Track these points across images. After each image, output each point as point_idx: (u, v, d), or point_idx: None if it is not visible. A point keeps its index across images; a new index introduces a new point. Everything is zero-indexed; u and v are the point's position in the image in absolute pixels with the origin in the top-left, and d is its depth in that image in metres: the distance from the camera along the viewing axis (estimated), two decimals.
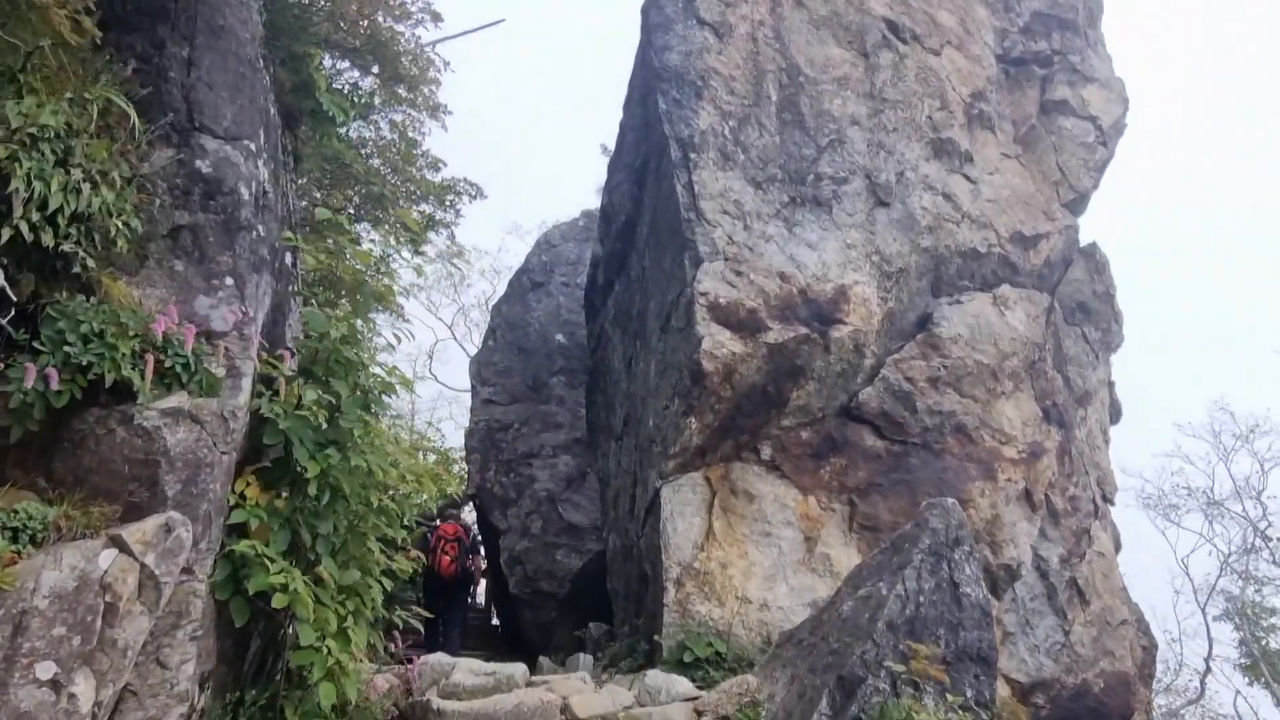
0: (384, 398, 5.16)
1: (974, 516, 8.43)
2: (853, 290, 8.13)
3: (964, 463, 8.73)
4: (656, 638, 7.39)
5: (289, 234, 4.73)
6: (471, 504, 14.25)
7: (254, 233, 4.42)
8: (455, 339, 24.50)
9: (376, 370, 4.95)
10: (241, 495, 4.17)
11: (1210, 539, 18.70)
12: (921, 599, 5.67)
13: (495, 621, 15.89)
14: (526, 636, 12.85)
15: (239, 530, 4.12)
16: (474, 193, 9.16)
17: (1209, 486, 18.68)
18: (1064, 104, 10.55)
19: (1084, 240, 10.57)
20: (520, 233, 24.76)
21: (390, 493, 4.91)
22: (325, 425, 4.24)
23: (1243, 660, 18.32)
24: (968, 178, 9.40)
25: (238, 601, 4.02)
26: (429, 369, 24.56)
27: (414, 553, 11.98)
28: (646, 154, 8.98)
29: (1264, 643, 18.20)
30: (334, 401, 4.40)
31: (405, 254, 10.03)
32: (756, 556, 7.77)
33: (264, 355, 4.34)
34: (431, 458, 24.09)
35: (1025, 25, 10.62)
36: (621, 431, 10.05)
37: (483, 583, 16.10)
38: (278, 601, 3.89)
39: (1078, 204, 10.46)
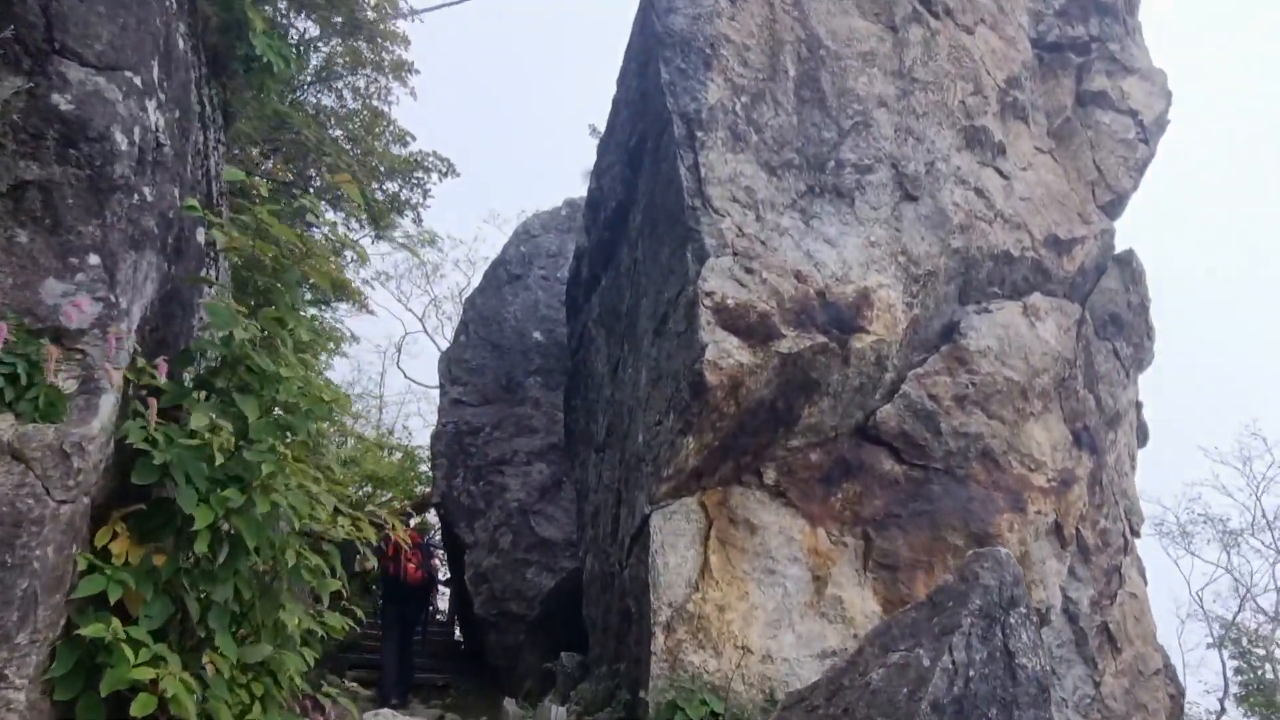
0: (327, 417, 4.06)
1: None
2: (876, 294, 7.10)
3: (991, 492, 7.74)
4: (642, 693, 6.34)
5: (193, 202, 3.61)
6: (436, 513, 13.11)
7: (135, 197, 3.27)
8: (426, 332, 23.35)
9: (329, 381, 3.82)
10: (104, 551, 3.06)
11: (1230, 569, 17.86)
12: (971, 673, 4.67)
13: (459, 636, 14.76)
14: (491, 661, 11.74)
15: (99, 601, 3.01)
16: (444, 169, 8.05)
17: (1224, 516, 17.82)
18: (1102, 95, 9.59)
19: (1119, 246, 9.63)
20: (498, 222, 23.48)
21: (321, 539, 3.81)
22: (225, 458, 3.14)
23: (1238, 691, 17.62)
24: (1000, 172, 8.41)
25: (88, 703, 2.91)
26: (397, 363, 23.32)
27: (370, 563, 11.26)
28: (644, 131, 7.90)
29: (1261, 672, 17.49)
30: (241, 425, 3.31)
31: (370, 238, 8.86)
32: (759, 598, 6.73)
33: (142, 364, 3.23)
34: (397, 456, 22.87)
35: (1061, 8, 9.64)
36: (604, 442, 8.98)
37: (445, 591, 15.26)
38: (139, 708, 2.79)
39: (1115, 206, 9.51)
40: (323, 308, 14.49)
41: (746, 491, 7.15)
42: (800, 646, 6.57)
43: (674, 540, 6.78)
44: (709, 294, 6.36)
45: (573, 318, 10.91)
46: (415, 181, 7.69)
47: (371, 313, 13.03)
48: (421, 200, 8.04)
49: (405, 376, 23.35)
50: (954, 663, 4.61)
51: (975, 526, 7.43)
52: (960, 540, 7.33)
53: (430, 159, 7.77)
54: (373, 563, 10.82)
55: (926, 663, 4.64)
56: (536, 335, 13.61)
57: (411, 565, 10.22)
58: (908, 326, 7.40)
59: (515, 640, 11.24)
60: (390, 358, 23.91)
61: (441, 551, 14.13)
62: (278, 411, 3.53)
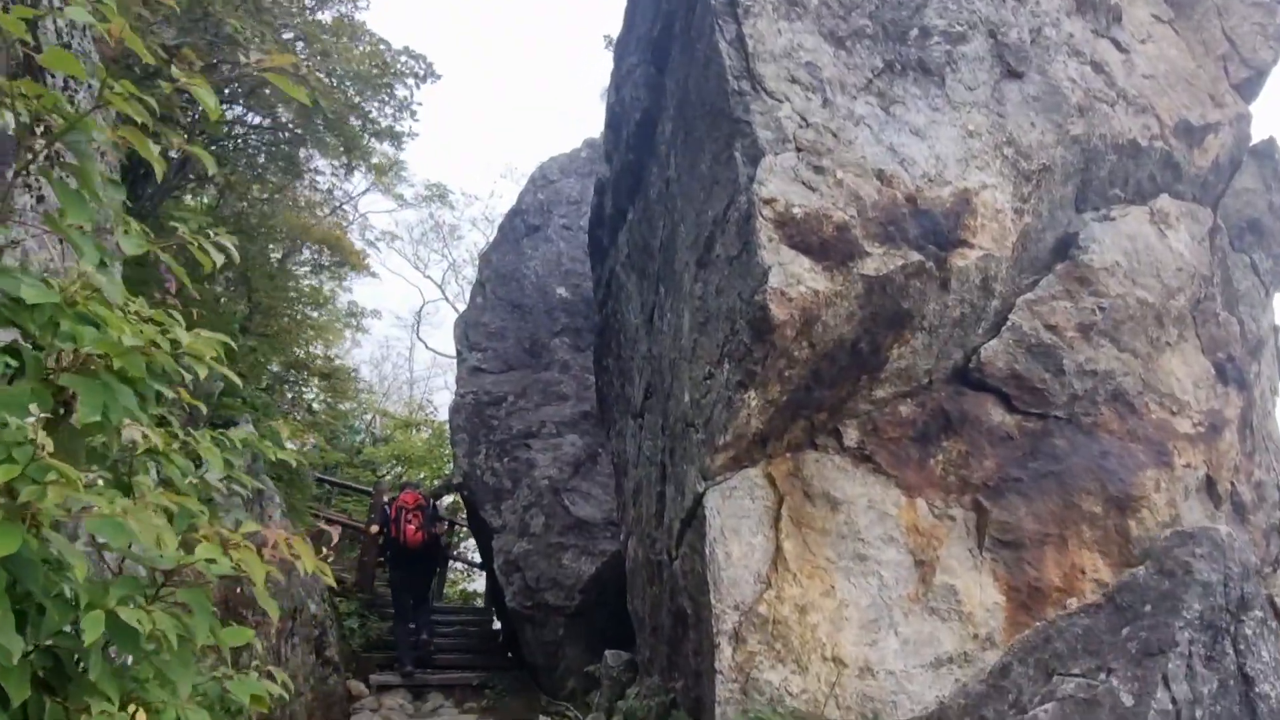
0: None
1: (1148, 520, 5.90)
2: (979, 198, 5.52)
3: (1127, 443, 6.16)
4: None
5: None
6: (459, 496, 11.80)
7: None
8: (447, 299, 21.99)
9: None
10: None
11: None
12: (1199, 712, 3.19)
13: (497, 626, 13.52)
14: (529, 658, 10.45)
15: None
16: (422, 72, 6.52)
17: None
18: None
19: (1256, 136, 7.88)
20: (515, 176, 22.00)
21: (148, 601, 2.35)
22: None
23: None
24: (1118, 44, 6.72)
25: None
26: (416, 333, 22.06)
27: (373, 528, 10.97)
28: (669, 12, 6.34)
29: None
30: None
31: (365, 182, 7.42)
32: (849, 592, 5.27)
33: None
34: (425, 433, 21.70)
35: None
36: (642, 407, 7.53)
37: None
38: None
39: (1251, 85, 7.75)
40: (326, 274, 13.27)
41: (823, 458, 5.67)
42: (907, 654, 5.10)
43: (736, 524, 5.34)
44: (768, 202, 4.82)
45: (598, 264, 9.43)
46: (383, 89, 6.24)
47: (374, 275, 11.72)
48: (400, 118, 6.61)
49: (427, 348, 22.10)
50: (1174, 700, 3.14)
51: (1115, 488, 5.87)
52: (1098, 506, 5.78)
53: (403, 60, 6.29)
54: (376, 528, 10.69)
55: (1129, 700, 3.17)
56: (560, 291, 12.16)
57: (411, 527, 10.05)
58: (1018, 239, 5.81)
59: (553, 635, 9.93)
60: (413, 330, 22.61)
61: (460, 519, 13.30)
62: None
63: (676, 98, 6.22)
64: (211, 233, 2.44)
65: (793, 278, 4.77)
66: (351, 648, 11.37)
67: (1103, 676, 3.35)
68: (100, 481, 2.30)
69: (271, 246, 10.95)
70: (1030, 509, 5.71)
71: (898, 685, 4.95)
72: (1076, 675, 3.45)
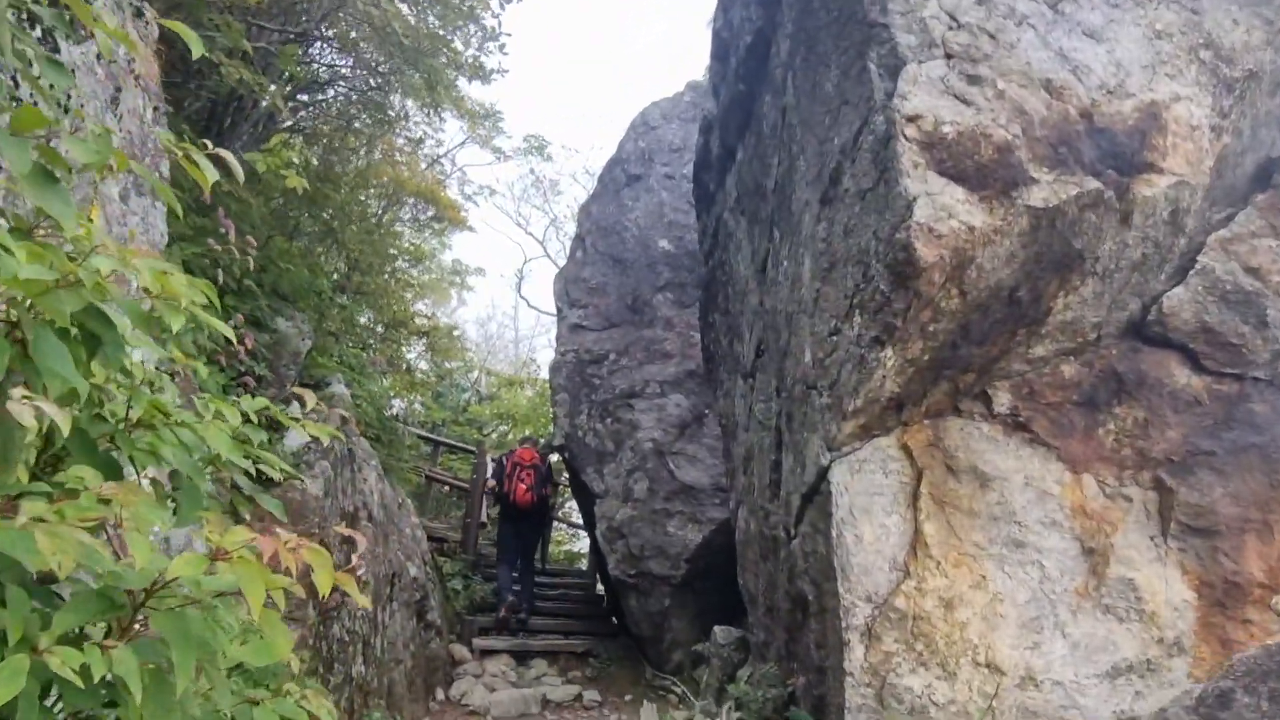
0: None
1: None
2: (1170, 112, 4.53)
3: None
4: None
5: None
6: (560, 458, 11.38)
7: None
8: (548, 255, 21.59)
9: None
10: None
11: None
12: None
13: (600, 590, 13.17)
14: (633, 629, 10.01)
15: None
16: None
17: None
18: None
19: None
20: (617, 128, 21.32)
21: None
22: None
23: None
24: None
25: None
26: (518, 290, 21.80)
27: (490, 482, 10.90)
28: None
29: None
30: None
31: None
32: (1004, 585, 4.48)
33: None
34: (529, 392, 21.53)
35: None
36: (753, 366, 6.83)
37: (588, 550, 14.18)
38: None
39: None
40: (428, 231, 12.97)
41: (969, 425, 4.86)
42: (1077, 660, 4.29)
43: (867, 503, 4.60)
44: (912, 119, 4.00)
45: (703, 212, 8.71)
46: (468, 18, 5.65)
47: (472, 229, 11.30)
48: (487, 49, 6.01)
49: (529, 305, 21.85)
50: None
51: None
52: None
53: None
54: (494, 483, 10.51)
55: None
56: (663, 244, 11.48)
57: (522, 487, 10.06)
58: (1215, 164, 4.80)
59: (659, 605, 9.44)
60: (515, 288, 22.36)
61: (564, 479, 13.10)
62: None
63: (795, 9, 5.39)
64: (207, 146, 1.86)
65: (943, 211, 3.95)
66: (455, 609, 11.19)
67: None
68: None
69: (368, 200, 10.65)
70: (1226, 488, 4.76)
71: (1067, 698, 4.17)
72: None
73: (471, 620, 10.77)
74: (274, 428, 4.87)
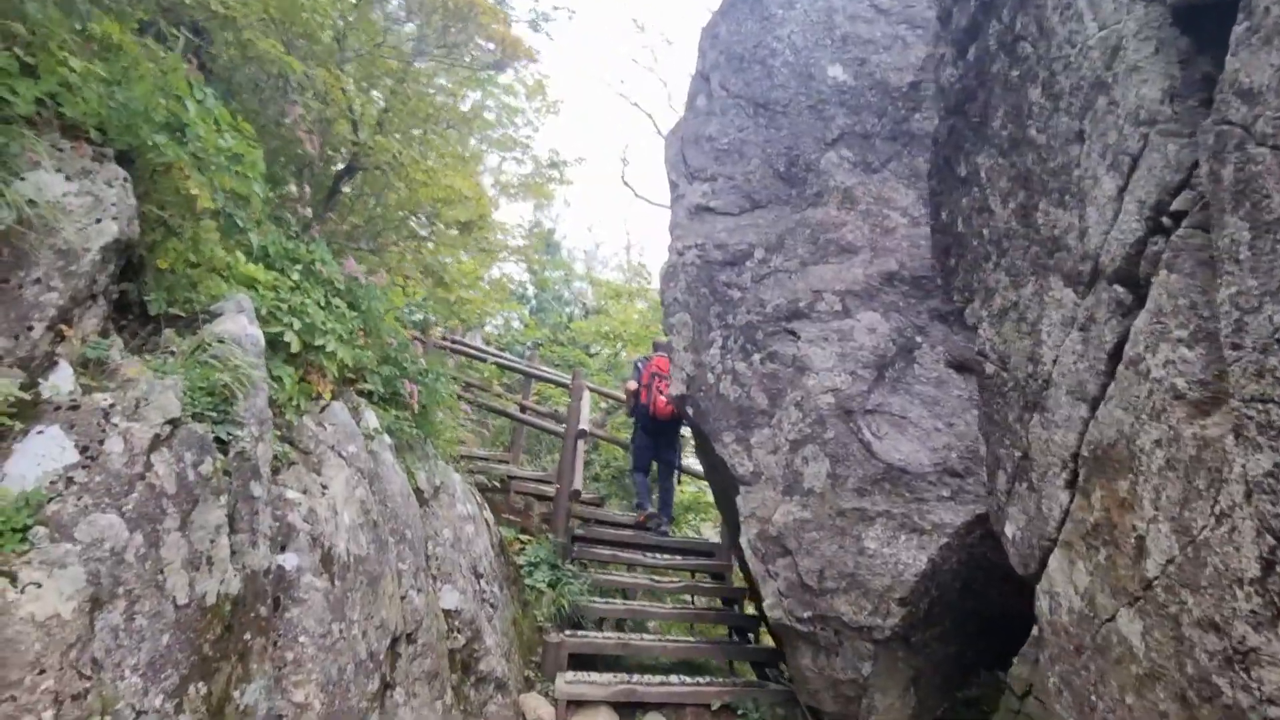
0: None
1: None
2: None
3: None
4: None
5: None
6: (683, 414, 7.53)
7: None
8: (659, 130, 17.35)
9: None
10: None
11: None
12: None
13: (738, 584, 9.47)
14: (808, 699, 6.29)
15: None
16: None
17: None
18: None
19: None
20: None
21: None
22: None
23: None
24: None
25: None
26: (623, 178, 17.80)
27: (630, 384, 9.90)
28: None
29: None
30: None
31: None
32: None
33: None
34: (641, 305, 17.74)
35: None
36: (1048, 263, 2.70)
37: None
38: None
39: None
40: (498, 75, 9.11)
41: None
42: None
43: None
44: None
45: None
46: None
47: (538, 62, 7.43)
48: None
49: (636, 195, 17.88)
50: None
51: None
52: None
53: None
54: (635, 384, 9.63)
55: None
56: (835, 73, 7.24)
57: (662, 399, 9.38)
58: None
59: (852, 671, 5.63)
60: (620, 176, 18.38)
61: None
62: None
63: None
64: None
65: None
66: (535, 621, 7.78)
67: None
68: None
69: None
70: None
71: None
72: None
73: (558, 643, 7.33)
74: None
